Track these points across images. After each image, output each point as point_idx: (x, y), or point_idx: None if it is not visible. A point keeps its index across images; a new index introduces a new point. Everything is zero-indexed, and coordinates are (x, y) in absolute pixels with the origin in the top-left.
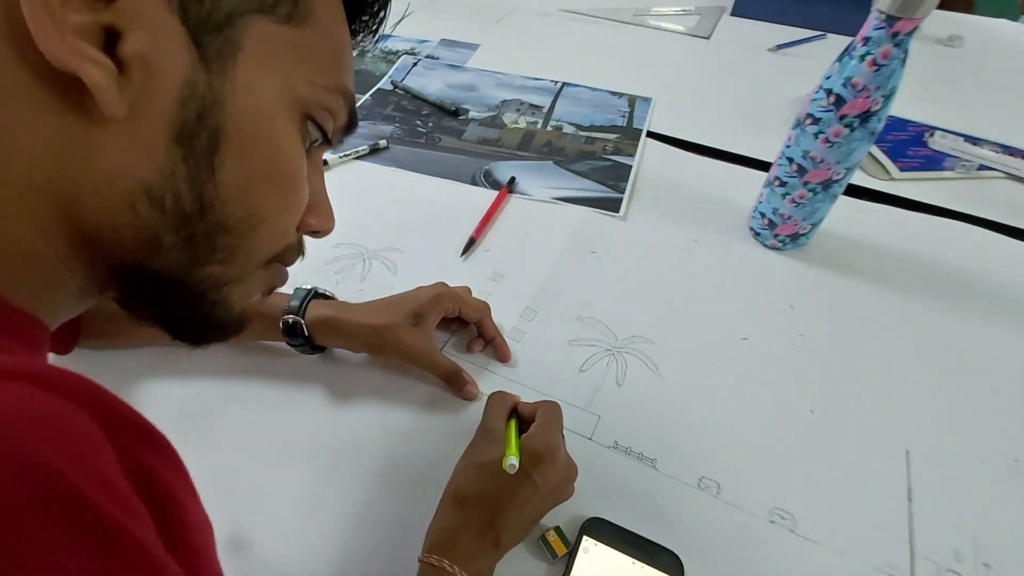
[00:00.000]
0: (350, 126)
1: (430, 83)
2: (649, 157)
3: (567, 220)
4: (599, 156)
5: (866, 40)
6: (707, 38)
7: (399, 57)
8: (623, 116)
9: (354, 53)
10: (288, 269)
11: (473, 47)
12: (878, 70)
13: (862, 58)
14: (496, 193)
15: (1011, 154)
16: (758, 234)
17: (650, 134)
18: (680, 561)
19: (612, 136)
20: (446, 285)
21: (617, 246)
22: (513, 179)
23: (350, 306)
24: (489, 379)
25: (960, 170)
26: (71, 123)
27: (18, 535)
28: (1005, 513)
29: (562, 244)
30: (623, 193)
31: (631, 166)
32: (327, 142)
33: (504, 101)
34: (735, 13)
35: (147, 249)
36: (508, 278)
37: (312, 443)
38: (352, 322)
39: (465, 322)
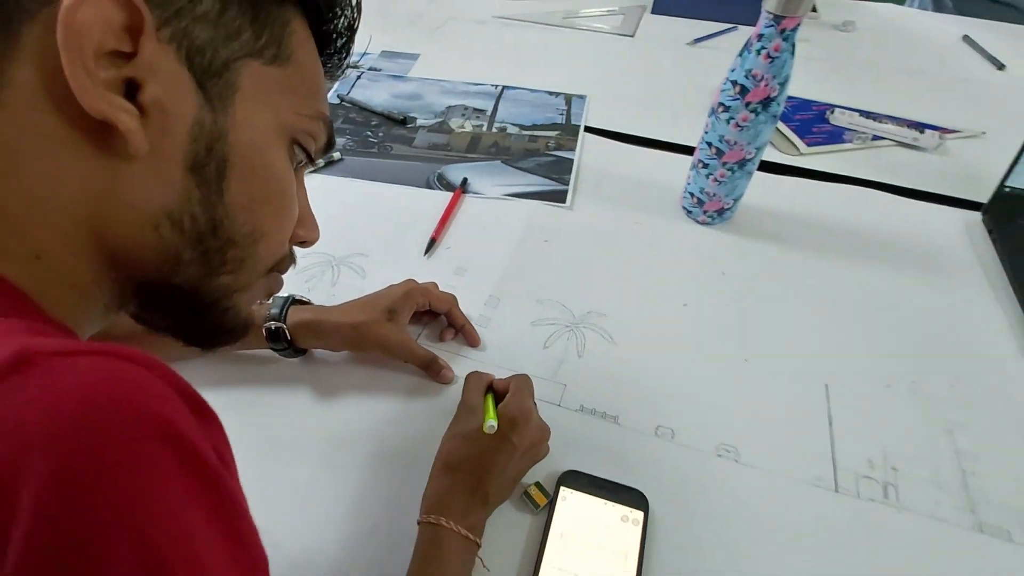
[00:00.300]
0: (328, 146)
1: (376, 94)
2: (588, 150)
3: (519, 214)
4: (543, 153)
5: (760, 37)
6: (632, 36)
7: (342, 76)
8: (561, 114)
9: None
10: None
11: (414, 57)
12: (772, 62)
13: (758, 52)
14: (451, 194)
15: (899, 124)
16: (689, 212)
17: (587, 129)
18: (645, 497)
19: (553, 133)
20: (415, 281)
21: (567, 233)
22: (465, 180)
23: (328, 308)
24: (463, 363)
25: (858, 142)
26: (102, 162)
27: (146, 471)
28: (906, 425)
29: (517, 236)
30: (568, 185)
31: (573, 160)
32: (310, 161)
33: (449, 107)
34: (655, 11)
35: (169, 264)
36: (470, 271)
37: (304, 439)
38: (332, 322)
39: (435, 314)
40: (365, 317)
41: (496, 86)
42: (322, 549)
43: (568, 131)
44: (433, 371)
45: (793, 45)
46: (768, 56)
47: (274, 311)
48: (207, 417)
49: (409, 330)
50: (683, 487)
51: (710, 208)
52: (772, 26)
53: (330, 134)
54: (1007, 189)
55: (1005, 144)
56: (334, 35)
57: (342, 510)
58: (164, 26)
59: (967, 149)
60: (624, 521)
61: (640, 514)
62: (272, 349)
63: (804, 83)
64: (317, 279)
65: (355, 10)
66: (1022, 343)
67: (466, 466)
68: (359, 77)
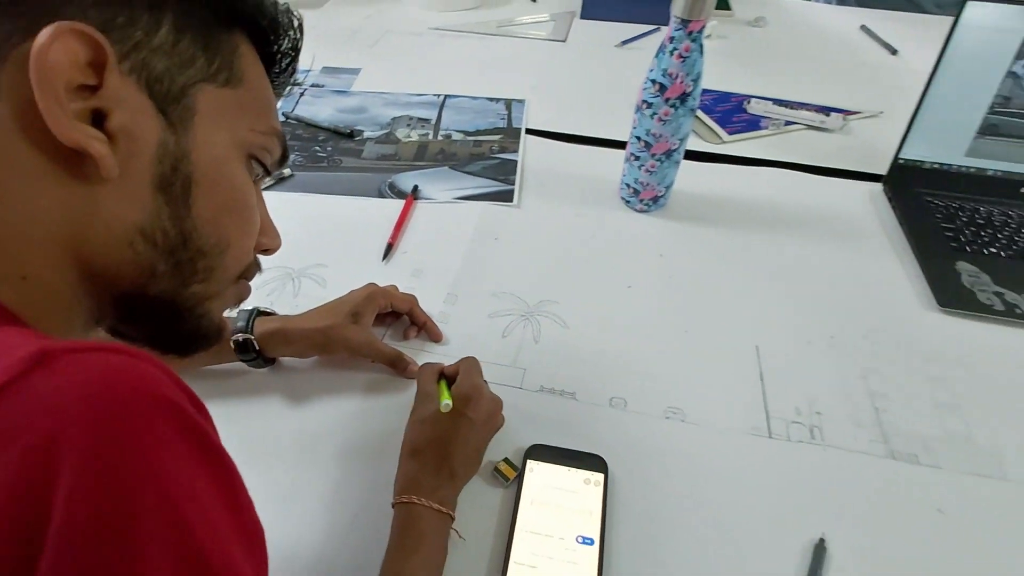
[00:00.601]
0: (283, 158)
1: (320, 110)
2: (531, 151)
3: (470, 215)
4: (488, 156)
5: (671, 39)
6: (564, 41)
7: (289, 92)
8: (503, 119)
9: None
10: None
11: (355, 71)
12: (684, 61)
13: (671, 53)
14: (403, 202)
15: (808, 109)
16: (627, 201)
17: (528, 131)
18: (604, 460)
19: (496, 137)
20: (376, 285)
21: (516, 230)
22: (416, 187)
23: (293, 317)
24: (427, 358)
25: (773, 128)
26: (78, 187)
27: (163, 441)
28: (827, 374)
29: (469, 236)
30: (514, 185)
31: (517, 161)
32: (267, 174)
33: (394, 118)
34: (584, 16)
35: (144, 277)
36: (427, 272)
37: (279, 444)
38: (298, 329)
39: (398, 314)
40: (331, 321)
41: (438, 95)
42: (307, 544)
43: (510, 134)
44: (400, 367)
45: (701, 45)
46: (680, 56)
47: (240, 324)
48: (200, 405)
49: (374, 331)
50: (637, 449)
51: (645, 196)
52: (681, 29)
53: (284, 147)
54: (901, 161)
55: (899, 121)
56: (279, 56)
57: (322, 506)
58: (124, 59)
59: (867, 128)
60: (587, 484)
61: (601, 476)
62: (241, 360)
63: (723, 77)
64: (279, 292)
65: (298, 31)
66: (921, 295)
67: (430, 447)
68: (302, 94)
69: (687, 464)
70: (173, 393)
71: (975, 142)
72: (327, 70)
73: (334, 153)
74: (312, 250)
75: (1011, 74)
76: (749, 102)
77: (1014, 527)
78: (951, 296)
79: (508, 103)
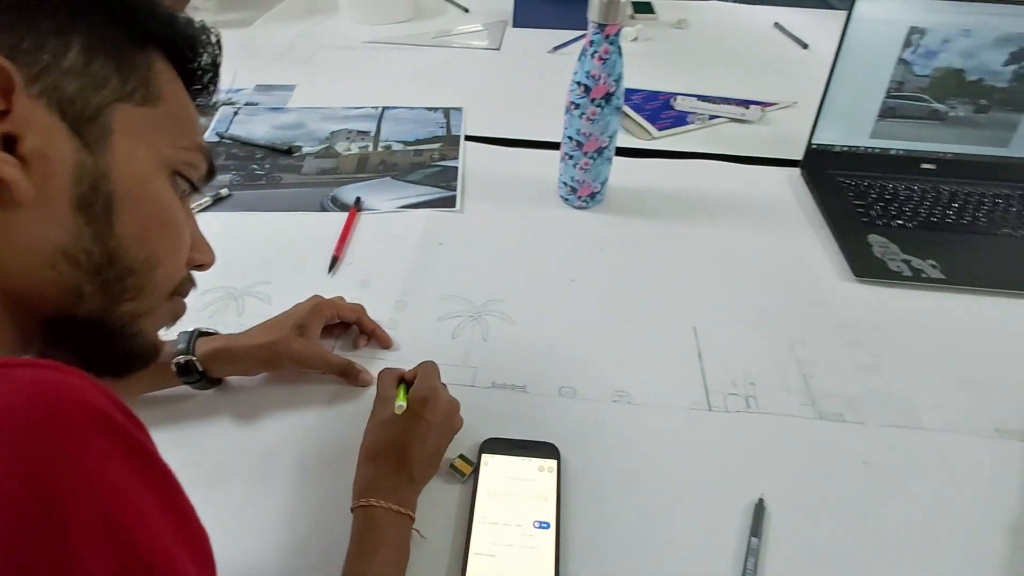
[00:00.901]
0: (210, 174)
1: (256, 128)
2: (471, 157)
3: (413, 223)
4: (428, 164)
5: (591, 43)
6: (498, 49)
7: (217, 109)
8: (442, 127)
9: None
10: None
11: (290, 88)
12: (604, 62)
13: (592, 56)
14: (346, 214)
15: (729, 103)
16: (566, 199)
17: (467, 137)
18: (556, 447)
19: (436, 146)
20: (320, 297)
21: (460, 234)
22: (358, 199)
23: (236, 334)
24: (380, 365)
25: (698, 122)
26: None
27: (94, 450)
28: (758, 347)
29: (414, 243)
30: (456, 191)
31: (457, 167)
32: (194, 189)
33: (333, 132)
34: (516, 25)
35: (71, 298)
36: (375, 282)
37: (231, 464)
38: (242, 346)
39: (347, 325)
40: (276, 336)
41: (376, 107)
42: (266, 559)
43: (450, 142)
44: (351, 376)
45: (619, 47)
46: (600, 58)
47: (181, 346)
48: (134, 417)
49: (322, 343)
50: (588, 433)
51: (583, 193)
52: (598, 33)
53: (210, 162)
54: (814, 146)
55: (812, 110)
56: (199, 72)
57: (281, 520)
58: (33, 83)
59: (784, 117)
60: (541, 471)
61: (554, 462)
62: (186, 384)
63: (650, 76)
64: (221, 313)
65: (216, 46)
66: (839, 267)
67: (387, 449)
68: (236, 113)
69: (635, 443)
70: (104, 404)
71: (877, 124)
72: (261, 88)
73: (273, 170)
74: (255, 268)
75: (902, 61)
76: (675, 99)
77: (930, 470)
78: (865, 267)
79: (446, 111)
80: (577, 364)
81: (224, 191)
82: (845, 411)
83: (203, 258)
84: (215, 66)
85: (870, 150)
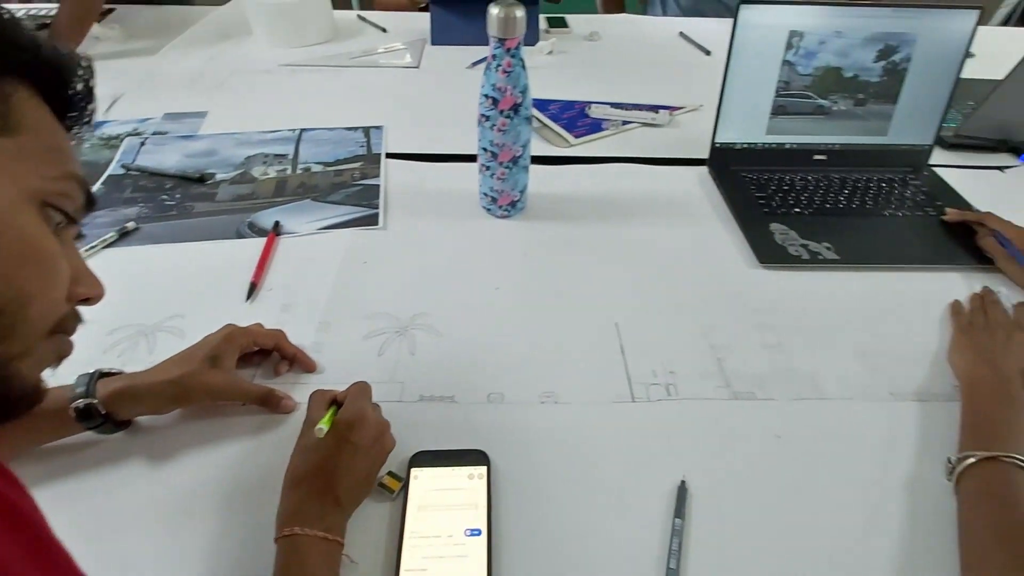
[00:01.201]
0: (90, 204)
1: (166, 157)
2: (392, 174)
3: (336, 243)
4: (350, 184)
5: (495, 56)
6: (417, 67)
7: (122, 140)
8: (362, 146)
9: (73, 142)
10: (67, 366)
11: (201, 115)
12: (508, 75)
13: (496, 69)
14: (265, 239)
15: (640, 109)
16: (488, 209)
17: (389, 155)
18: (485, 453)
19: (357, 165)
20: (234, 325)
21: (384, 251)
22: (277, 223)
23: (140, 372)
24: (303, 389)
25: (612, 128)
26: None
27: None
28: (676, 337)
29: (337, 264)
30: (378, 208)
31: (379, 185)
32: (72, 221)
33: (248, 157)
34: (434, 43)
35: None
36: (297, 305)
37: (147, 509)
38: (149, 383)
39: (267, 352)
40: (185, 369)
41: (294, 130)
42: None
43: (371, 160)
44: (272, 404)
45: (522, 59)
46: (504, 71)
47: (80, 389)
48: (8, 474)
49: (242, 373)
50: (517, 437)
51: (503, 202)
52: (500, 47)
53: (87, 192)
54: (717, 145)
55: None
56: (70, 99)
57: (203, 561)
58: None
59: (691, 120)
60: (471, 479)
61: (483, 468)
62: (89, 429)
63: (566, 87)
64: (130, 351)
65: (88, 71)
66: (745, 256)
67: (313, 475)
68: (143, 143)
69: (562, 441)
70: None
71: (771, 122)
72: (170, 116)
73: (184, 200)
74: (166, 302)
75: (786, 62)
76: (590, 107)
77: (835, 435)
78: (768, 254)
79: (366, 130)
80: (504, 370)
81: (131, 224)
82: (757, 390)
83: (88, 291)
84: (88, 92)
85: (767, 145)
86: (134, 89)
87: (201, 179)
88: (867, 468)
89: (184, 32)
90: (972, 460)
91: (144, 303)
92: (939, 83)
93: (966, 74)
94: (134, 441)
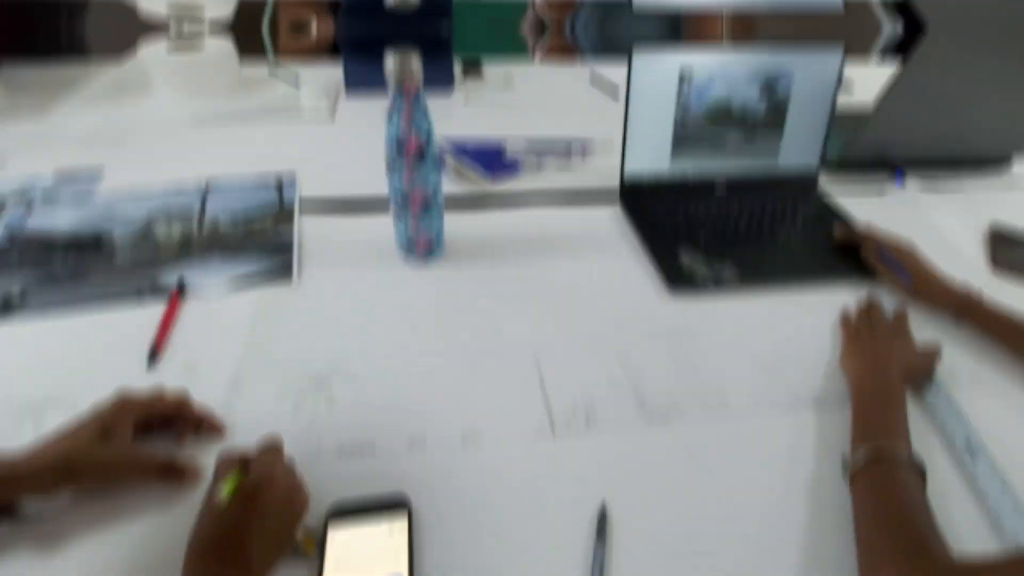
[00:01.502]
0: None
1: (58, 221)
2: (306, 225)
3: (246, 300)
4: (260, 237)
5: (394, 103)
6: (331, 117)
7: (4, 206)
8: (274, 196)
9: None
10: None
11: (97, 174)
12: (411, 121)
13: (399, 115)
14: (167, 301)
15: (554, 150)
16: (407, 255)
17: (303, 204)
18: (406, 499)
19: (269, 215)
20: (127, 390)
21: (298, 304)
22: (182, 282)
23: (18, 452)
24: (215, 450)
25: (529, 169)
26: None
27: None
28: (593, 368)
29: (247, 321)
30: (291, 261)
31: (292, 237)
32: None
33: (150, 214)
34: (348, 91)
35: None
36: (205, 365)
37: None
38: (26, 465)
39: (169, 420)
40: (71, 444)
41: (200, 183)
42: None
43: (283, 211)
44: (175, 476)
45: (423, 104)
46: (407, 117)
47: None
48: None
49: (141, 444)
50: (438, 479)
51: (420, 248)
52: (399, 94)
53: None
54: (626, 179)
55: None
56: None
57: None
58: None
59: (603, 156)
60: (392, 525)
61: (404, 512)
62: None
63: (485, 130)
64: (16, 427)
65: None
66: (657, 284)
67: (217, 544)
68: (30, 206)
69: (484, 481)
70: None
71: (673, 156)
72: (61, 176)
73: (79, 266)
74: (56, 378)
75: (681, 98)
76: (507, 150)
77: (741, 445)
78: (676, 281)
79: (279, 180)
80: (425, 413)
81: (15, 298)
82: (670, 411)
83: None
84: None
85: (671, 178)
86: (20, 149)
87: (97, 242)
88: (774, 473)
89: (78, 88)
90: (861, 454)
91: (30, 380)
92: (818, 113)
93: (851, 103)
94: (19, 529)
